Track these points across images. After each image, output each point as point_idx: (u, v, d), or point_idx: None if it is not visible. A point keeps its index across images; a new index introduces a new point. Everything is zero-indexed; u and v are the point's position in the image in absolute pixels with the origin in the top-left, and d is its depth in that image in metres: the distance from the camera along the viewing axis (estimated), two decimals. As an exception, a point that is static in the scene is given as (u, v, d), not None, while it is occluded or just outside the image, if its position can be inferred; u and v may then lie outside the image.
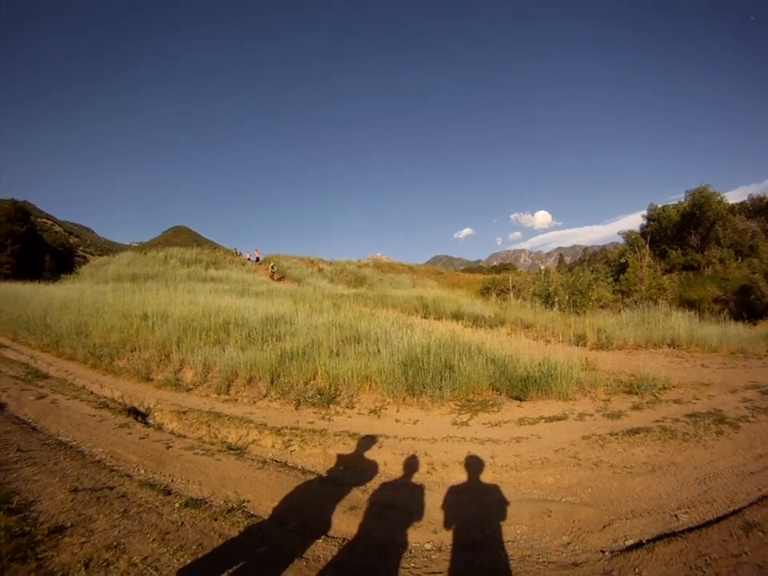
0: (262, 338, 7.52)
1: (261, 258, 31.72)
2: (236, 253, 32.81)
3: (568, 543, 3.09)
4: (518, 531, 3.23)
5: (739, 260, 28.23)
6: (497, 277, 28.41)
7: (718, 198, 30.41)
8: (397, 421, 5.50)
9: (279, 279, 25.17)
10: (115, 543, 2.61)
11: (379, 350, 6.97)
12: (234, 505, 3.34)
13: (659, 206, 34.87)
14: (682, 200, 32.88)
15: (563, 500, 3.82)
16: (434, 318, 13.18)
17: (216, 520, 3.06)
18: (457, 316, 12.85)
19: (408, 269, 39.64)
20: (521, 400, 6.09)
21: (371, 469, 4.23)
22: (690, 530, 3.10)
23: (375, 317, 10.07)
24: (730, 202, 32.95)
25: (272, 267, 26.67)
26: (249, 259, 31.27)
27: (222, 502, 3.39)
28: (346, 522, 3.27)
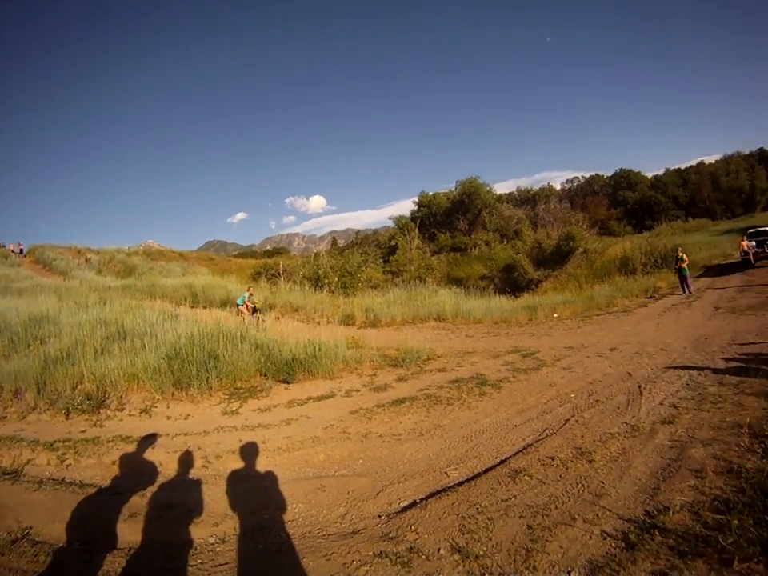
0: (26, 343, 10.31)
1: (25, 250, 45.79)
2: None
3: (345, 514, 4.93)
4: (296, 510, 5.05)
5: (504, 242, 50.71)
6: (268, 261, 43.11)
7: (487, 188, 57.74)
8: (168, 417, 8.12)
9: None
10: None
11: (144, 345, 10.09)
12: (18, 534, 4.67)
13: (430, 193, 61.15)
14: (453, 189, 59.69)
15: (336, 474, 5.91)
16: (203, 307, 19.83)
17: (3, 555, 4.30)
18: (226, 303, 19.59)
19: (179, 256, 58.45)
20: (288, 383, 9.65)
21: (148, 471, 6.10)
22: (461, 483, 5.26)
23: (142, 309, 14.64)
24: (500, 191, 64.46)
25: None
26: (12, 251, 44.42)
27: (5, 533, 4.70)
28: (129, 530, 4.74)
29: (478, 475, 5.31)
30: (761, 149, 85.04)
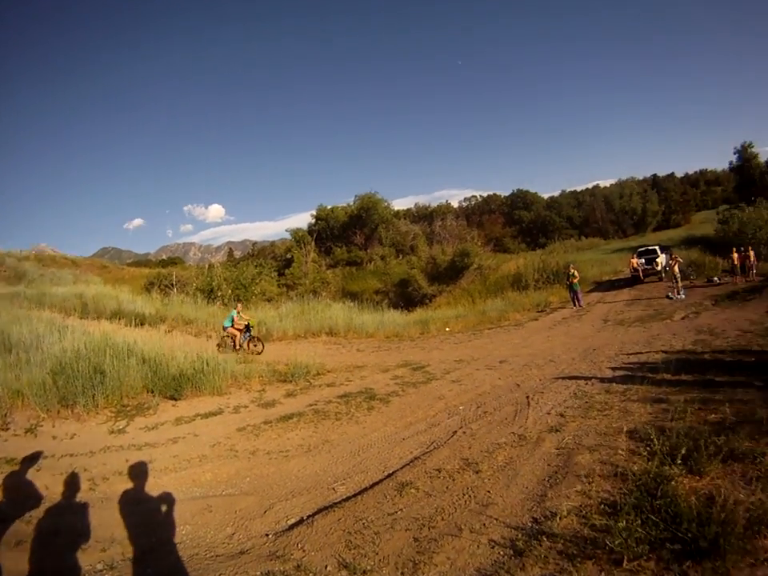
0: None
1: None
2: None
3: (233, 534, 4.81)
4: (185, 532, 4.94)
5: (400, 257, 51.97)
6: (162, 271, 43.33)
7: (385, 203, 59.96)
8: (54, 437, 7.66)
9: None
10: None
11: (30, 359, 9.69)
12: None
13: (328, 206, 62.22)
14: (351, 203, 60.57)
15: (224, 493, 5.78)
16: (93, 318, 18.67)
17: None
18: (117, 314, 18.64)
19: (71, 263, 56.04)
20: (176, 399, 9.48)
21: (33, 496, 5.77)
22: (347, 498, 5.22)
23: (30, 320, 14.06)
24: (399, 207, 66.51)
25: None
26: None
27: None
28: (15, 559, 4.44)
29: (365, 490, 5.28)
30: (654, 175, 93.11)
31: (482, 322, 20.11)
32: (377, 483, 5.40)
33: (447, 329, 18.99)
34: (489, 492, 4.64)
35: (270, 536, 4.55)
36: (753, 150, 57.47)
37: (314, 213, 61.34)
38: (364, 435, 7.12)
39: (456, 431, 6.63)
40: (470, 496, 4.63)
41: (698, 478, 4.31)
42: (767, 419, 5.47)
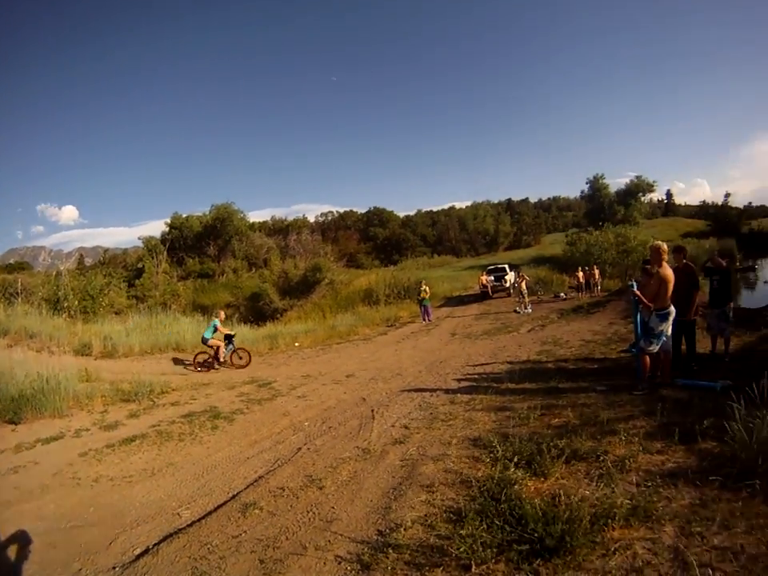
0: None
1: None
2: None
3: (80, 570, 4.42)
4: (30, 572, 4.45)
5: (253, 270, 51.78)
6: (8, 278, 38.95)
7: (241, 214, 58.87)
8: None
9: None
10: None
11: None
12: None
13: (184, 215, 59.88)
14: (207, 213, 58.96)
15: (68, 526, 5.26)
16: None
17: None
18: None
19: None
20: (16, 423, 8.59)
21: None
22: (192, 523, 4.99)
23: None
24: (256, 220, 65.76)
25: None
26: None
27: None
28: None
29: (210, 513, 5.10)
30: (509, 199, 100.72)
31: (332, 337, 20.25)
32: (221, 505, 5.24)
33: (296, 344, 18.94)
34: (333, 508, 4.61)
35: (117, 569, 4.28)
36: (603, 181, 66.22)
37: (168, 221, 59.09)
38: (208, 456, 6.86)
39: (300, 448, 6.56)
40: (314, 513, 4.58)
41: (542, 479, 4.52)
42: (608, 420, 5.83)
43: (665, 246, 7.78)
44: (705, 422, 5.35)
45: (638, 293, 7.81)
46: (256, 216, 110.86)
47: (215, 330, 14.67)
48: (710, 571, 3.05)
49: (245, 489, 5.59)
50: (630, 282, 9.36)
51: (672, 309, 7.50)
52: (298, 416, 8.24)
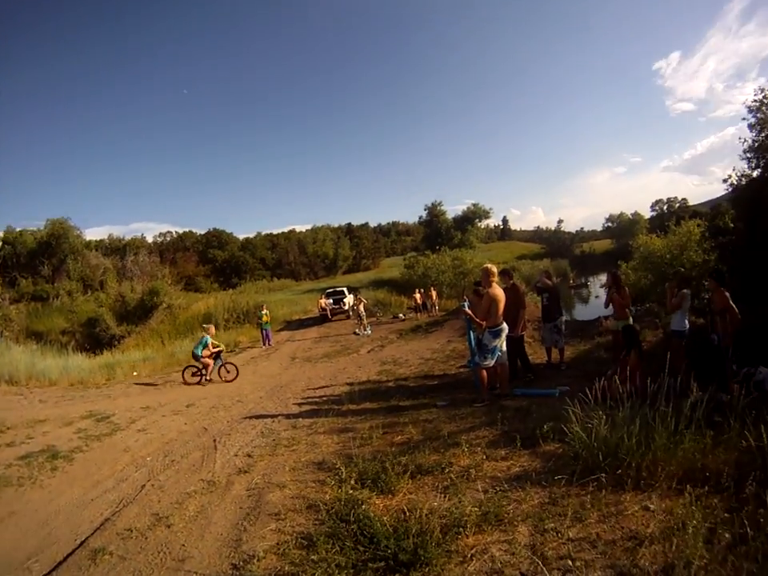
0: None
1: None
2: None
3: None
4: None
5: (89, 293, 48.22)
6: None
7: (77, 231, 55.39)
8: None
9: None
10: None
11: None
12: None
13: (17, 229, 55.36)
14: (42, 227, 54.31)
15: None
16: None
17: None
18: None
19: None
20: None
21: None
22: None
23: None
24: (93, 237, 61.49)
25: None
26: None
27: None
28: None
29: (60, 564, 4.77)
30: (349, 223, 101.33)
31: (171, 365, 19.57)
32: (70, 554, 4.92)
33: (135, 373, 18.12)
34: (184, 545, 4.57)
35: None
36: (441, 208, 69.10)
37: (1, 235, 53.29)
38: (51, 500, 6.37)
39: (144, 485, 6.37)
40: (165, 553, 4.50)
41: (390, 496, 4.71)
42: (451, 433, 6.24)
43: (494, 269, 8.56)
44: (545, 426, 5.73)
45: (469, 312, 8.52)
46: (93, 233, 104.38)
47: (206, 345, 14.38)
48: (570, 562, 3.30)
49: (92, 534, 5.31)
50: (462, 302, 10.12)
51: (504, 326, 8.26)
52: (140, 451, 7.96)
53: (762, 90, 10.86)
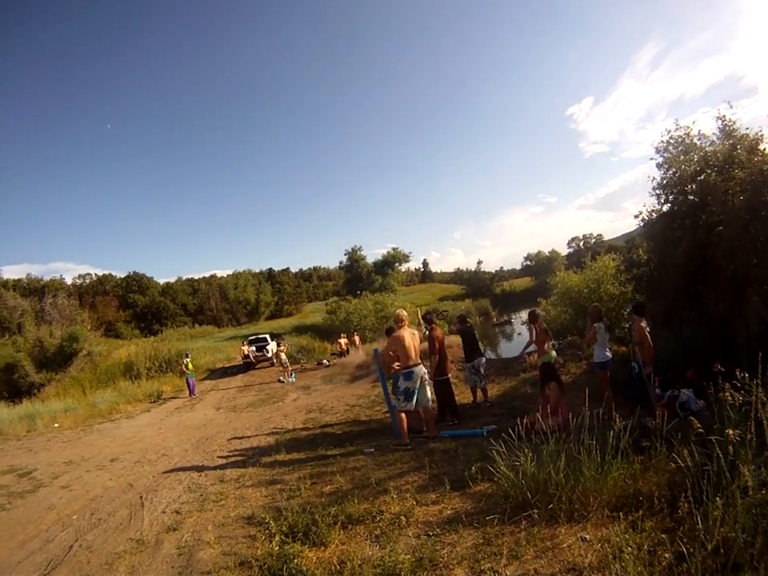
0: None
1: None
2: None
3: None
4: None
5: (6, 336, 46.39)
6: None
7: None
8: None
9: None
10: None
11: None
12: None
13: None
14: None
15: None
16: None
17: None
18: None
19: None
20: None
21: None
22: None
23: None
24: (10, 276, 60.78)
25: None
26: None
27: None
28: None
29: None
30: (270, 269, 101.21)
31: (93, 416, 19.02)
32: None
33: (56, 424, 17.53)
34: None
35: None
36: (361, 252, 68.94)
37: None
38: None
39: (72, 545, 6.17)
40: None
41: (322, 548, 4.67)
42: (379, 480, 6.32)
43: (403, 314, 8.96)
44: (473, 467, 5.83)
45: (379, 358, 8.86)
46: (10, 272, 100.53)
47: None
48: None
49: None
50: (374, 349, 10.44)
51: (417, 369, 8.50)
52: (65, 509, 7.74)
53: (669, 132, 11.57)
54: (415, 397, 8.44)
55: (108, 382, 28.60)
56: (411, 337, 8.60)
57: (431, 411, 8.93)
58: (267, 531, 5.29)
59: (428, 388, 8.76)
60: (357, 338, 29.25)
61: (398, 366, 8.60)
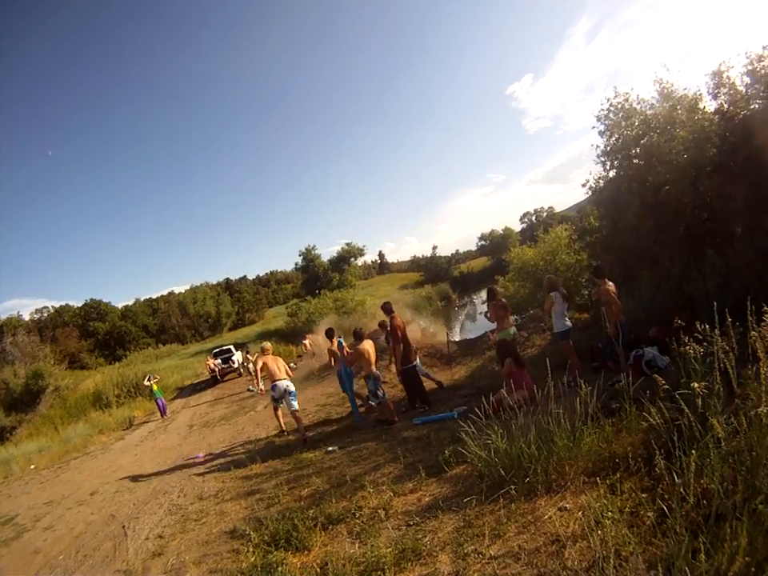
0: None
1: None
2: None
3: None
4: None
5: None
6: None
7: None
8: None
9: None
10: None
11: None
12: None
13: None
14: None
15: None
16: None
17: None
18: None
19: None
20: None
21: None
22: None
23: None
24: None
25: None
26: None
27: None
28: None
29: None
30: (227, 279, 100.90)
31: (68, 452, 18.66)
32: None
33: (32, 466, 17.18)
34: None
35: None
36: (315, 252, 67.88)
37: None
38: None
39: None
40: None
41: (306, 552, 4.72)
42: (355, 477, 6.47)
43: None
44: (446, 451, 5.91)
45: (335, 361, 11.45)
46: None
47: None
48: (498, 579, 3.37)
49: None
50: (338, 339, 10.88)
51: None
52: (51, 550, 7.66)
53: (608, 99, 11.97)
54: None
55: (79, 415, 28.12)
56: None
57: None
58: (250, 543, 5.34)
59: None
60: (317, 338, 28.76)
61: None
